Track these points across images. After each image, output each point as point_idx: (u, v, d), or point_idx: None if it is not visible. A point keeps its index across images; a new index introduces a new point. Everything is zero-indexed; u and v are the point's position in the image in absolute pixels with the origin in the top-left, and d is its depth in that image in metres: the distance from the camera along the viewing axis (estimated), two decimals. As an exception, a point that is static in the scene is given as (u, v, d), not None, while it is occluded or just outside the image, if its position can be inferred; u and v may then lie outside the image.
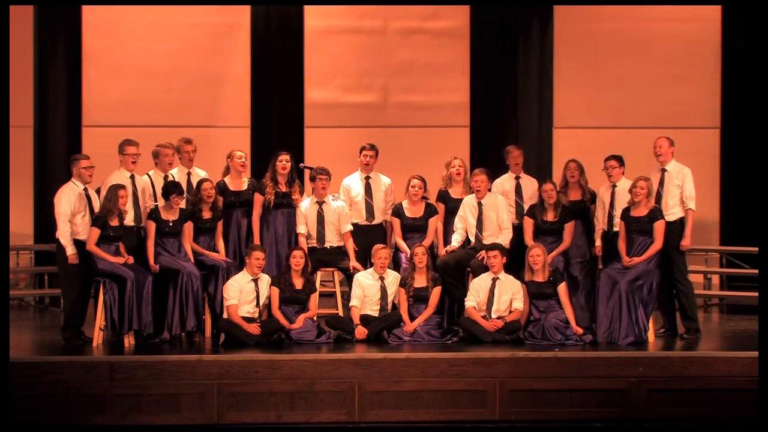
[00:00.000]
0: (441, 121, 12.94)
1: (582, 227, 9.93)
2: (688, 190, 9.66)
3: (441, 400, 8.58)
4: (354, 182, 10.31)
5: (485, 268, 9.60)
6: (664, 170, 9.73)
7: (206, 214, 9.76)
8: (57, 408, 8.41)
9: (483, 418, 8.58)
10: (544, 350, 8.88)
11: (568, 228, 9.81)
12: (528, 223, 9.86)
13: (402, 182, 10.20)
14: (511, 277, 9.54)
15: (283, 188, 10.04)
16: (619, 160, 9.84)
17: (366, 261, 9.96)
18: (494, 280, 9.51)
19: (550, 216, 9.82)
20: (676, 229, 9.61)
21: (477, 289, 9.53)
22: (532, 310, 9.48)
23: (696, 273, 11.78)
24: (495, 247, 9.57)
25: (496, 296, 9.48)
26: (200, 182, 9.82)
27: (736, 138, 12.77)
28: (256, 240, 9.90)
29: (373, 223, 10.25)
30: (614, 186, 9.77)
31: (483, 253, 9.68)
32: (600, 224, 9.83)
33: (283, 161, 10.06)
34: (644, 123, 12.47)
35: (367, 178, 10.30)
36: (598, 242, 9.82)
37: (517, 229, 9.99)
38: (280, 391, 8.52)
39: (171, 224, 9.53)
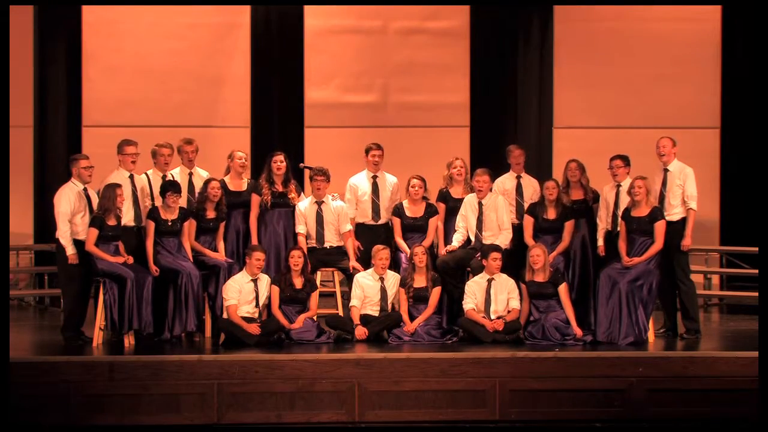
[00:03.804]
0: (441, 121, 12.94)
1: (587, 227, 9.91)
2: (689, 190, 9.65)
3: (441, 400, 8.58)
4: (361, 181, 10.30)
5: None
6: (666, 170, 9.72)
7: (210, 214, 9.76)
8: (57, 408, 8.41)
9: (483, 418, 8.58)
10: (544, 350, 8.87)
11: (568, 227, 9.80)
12: (528, 222, 9.86)
13: (402, 182, 10.21)
14: (505, 276, 9.53)
15: (280, 188, 10.05)
16: (625, 159, 9.82)
17: (370, 261, 9.94)
18: (489, 281, 9.50)
19: (550, 214, 9.82)
20: (678, 229, 9.60)
21: (473, 291, 9.52)
22: (532, 310, 9.48)
23: (696, 273, 11.73)
24: (495, 248, 9.56)
25: (493, 296, 9.48)
26: (207, 181, 9.81)
27: (736, 138, 12.77)
28: (254, 240, 9.90)
29: (379, 222, 10.25)
30: (619, 186, 9.76)
31: (482, 253, 9.70)
32: (603, 224, 9.82)
33: (278, 161, 10.06)
34: (644, 123, 12.47)
35: (375, 177, 10.29)
36: (600, 242, 9.81)
37: (518, 229, 9.99)
38: (280, 391, 8.52)
39: (170, 223, 9.53)
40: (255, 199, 10.00)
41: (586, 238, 9.92)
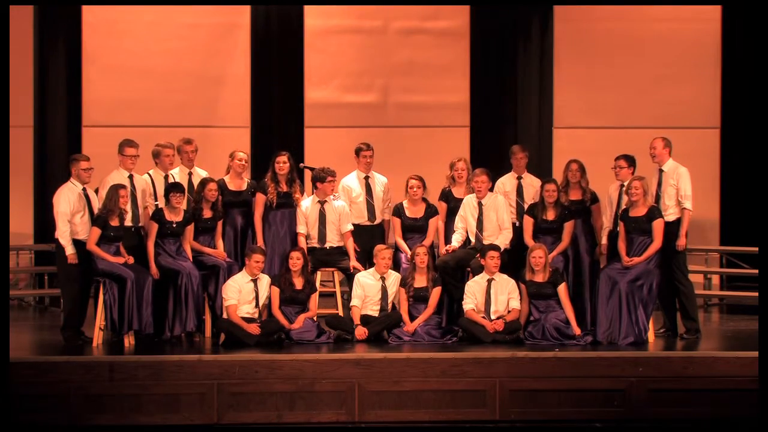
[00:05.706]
0: (441, 121, 12.94)
1: (582, 227, 9.92)
2: (683, 190, 9.64)
3: (441, 400, 8.58)
4: (353, 183, 10.31)
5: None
6: (661, 170, 9.73)
7: (207, 214, 9.77)
8: (57, 408, 8.41)
9: (483, 418, 8.58)
10: (544, 350, 8.87)
11: (567, 228, 9.80)
12: (528, 223, 9.86)
13: (402, 183, 10.20)
14: (505, 276, 9.54)
15: (284, 188, 10.05)
16: (629, 159, 9.79)
17: (366, 261, 9.95)
18: (489, 281, 9.50)
19: (550, 215, 9.82)
20: (674, 229, 9.60)
21: (473, 292, 9.52)
22: (532, 310, 9.47)
23: (696, 273, 11.77)
24: (493, 247, 9.57)
25: (493, 297, 9.48)
26: (203, 181, 9.81)
27: (736, 138, 12.77)
28: (259, 240, 9.91)
29: (375, 223, 10.25)
30: (622, 185, 9.77)
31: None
32: (608, 223, 9.83)
33: (281, 162, 10.05)
34: (644, 123, 12.46)
35: (367, 178, 10.30)
36: (604, 241, 9.82)
37: (517, 230, 9.99)
38: (280, 391, 8.52)
39: (174, 225, 9.54)
40: (260, 198, 10.00)
41: (580, 238, 9.92)
